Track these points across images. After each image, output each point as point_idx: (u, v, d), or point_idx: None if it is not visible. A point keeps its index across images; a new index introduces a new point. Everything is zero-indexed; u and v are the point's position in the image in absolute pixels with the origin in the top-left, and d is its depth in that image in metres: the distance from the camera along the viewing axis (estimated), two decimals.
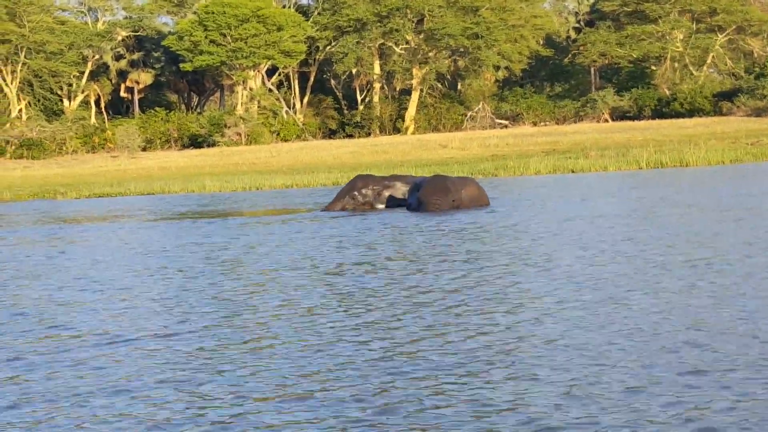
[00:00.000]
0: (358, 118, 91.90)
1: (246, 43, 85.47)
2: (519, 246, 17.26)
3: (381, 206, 26.79)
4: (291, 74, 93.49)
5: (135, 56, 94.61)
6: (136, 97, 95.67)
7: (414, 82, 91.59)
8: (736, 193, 25.41)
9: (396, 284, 13.55)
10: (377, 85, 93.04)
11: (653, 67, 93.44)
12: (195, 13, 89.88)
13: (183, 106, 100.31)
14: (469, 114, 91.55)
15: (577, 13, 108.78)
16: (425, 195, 24.86)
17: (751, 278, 12.55)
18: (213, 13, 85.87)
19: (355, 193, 26.90)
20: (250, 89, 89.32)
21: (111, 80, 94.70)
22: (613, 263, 14.52)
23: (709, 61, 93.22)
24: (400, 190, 26.82)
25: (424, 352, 9.42)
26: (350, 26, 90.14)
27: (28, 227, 27.17)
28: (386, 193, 26.79)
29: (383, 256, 16.82)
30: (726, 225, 18.59)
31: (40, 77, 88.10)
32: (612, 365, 8.68)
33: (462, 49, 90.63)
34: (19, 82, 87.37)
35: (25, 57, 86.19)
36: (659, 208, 22.44)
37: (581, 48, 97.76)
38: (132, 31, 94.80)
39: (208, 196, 37.32)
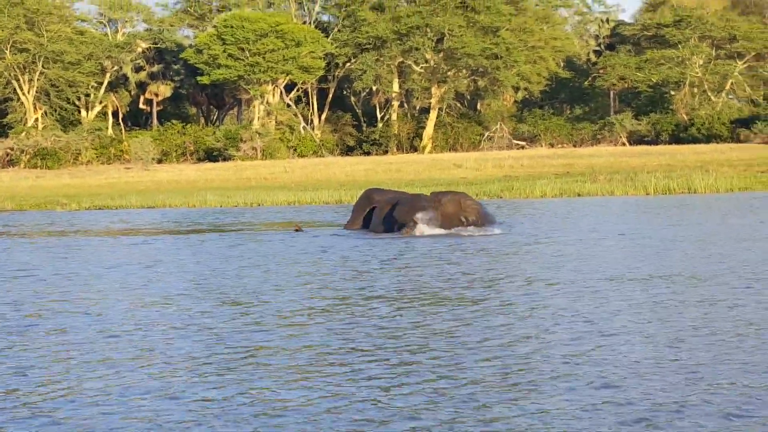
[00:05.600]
0: (376, 136, 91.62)
1: (264, 57, 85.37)
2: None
3: None
4: (310, 90, 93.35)
5: (155, 68, 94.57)
6: (155, 109, 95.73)
7: (433, 101, 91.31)
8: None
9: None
10: (396, 103, 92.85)
11: (672, 92, 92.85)
12: (214, 26, 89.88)
13: (202, 120, 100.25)
14: (486, 134, 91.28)
15: (597, 36, 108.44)
16: (400, 214, 24.74)
17: None
18: (231, 27, 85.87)
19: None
20: (268, 104, 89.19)
21: (130, 92, 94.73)
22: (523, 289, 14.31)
23: (727, 87, 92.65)
24: None
25: None
26: (370, 44, 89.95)
27: None
28: None
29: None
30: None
31: (57, 87, 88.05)
32: None
33: (481, 69, 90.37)
34: (36, 91, 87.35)
35: (42, 66, 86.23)
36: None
37: (601, 71, 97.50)
38: (152, 43, 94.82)
39: (202, 212, 37.17)
